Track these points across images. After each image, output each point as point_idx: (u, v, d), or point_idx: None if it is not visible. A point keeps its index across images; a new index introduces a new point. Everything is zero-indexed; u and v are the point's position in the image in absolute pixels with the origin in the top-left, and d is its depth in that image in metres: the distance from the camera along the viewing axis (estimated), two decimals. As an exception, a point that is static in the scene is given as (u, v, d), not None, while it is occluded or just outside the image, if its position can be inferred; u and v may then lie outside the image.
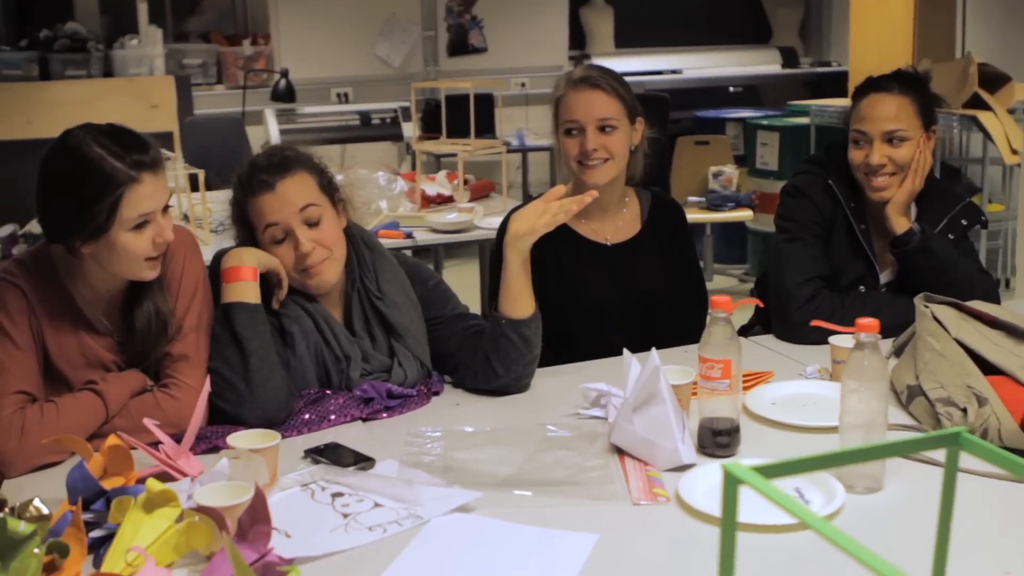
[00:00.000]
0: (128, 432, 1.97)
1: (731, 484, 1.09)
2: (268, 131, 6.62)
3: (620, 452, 2.00)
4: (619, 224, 2.76)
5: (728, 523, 1.06)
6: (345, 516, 1.78)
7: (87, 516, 1.67)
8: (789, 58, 8.34)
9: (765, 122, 6.45)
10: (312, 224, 2.23)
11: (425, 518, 1.75)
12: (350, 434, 2.13)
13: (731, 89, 8.18)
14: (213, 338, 2.16)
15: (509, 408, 2.27)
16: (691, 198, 6.31)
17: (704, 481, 1.86)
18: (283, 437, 2.08)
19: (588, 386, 2.20)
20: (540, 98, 7.39)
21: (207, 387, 1.98)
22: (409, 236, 4.29)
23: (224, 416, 2.12)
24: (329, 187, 2.31)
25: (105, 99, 6.64)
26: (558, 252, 2.68)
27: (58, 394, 2.07)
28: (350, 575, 1.60)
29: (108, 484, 1.74)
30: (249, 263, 2.19)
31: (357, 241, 2.37)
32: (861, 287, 2.67)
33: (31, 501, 1.59)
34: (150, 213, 2.02)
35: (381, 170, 5.14)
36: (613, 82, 2.67)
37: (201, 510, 1.61)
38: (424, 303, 2.40)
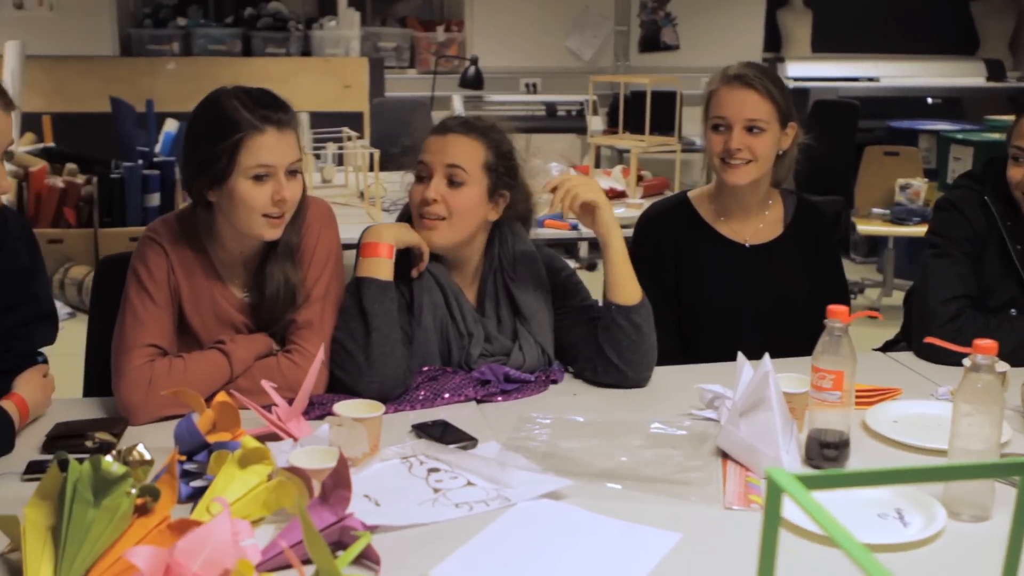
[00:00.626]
0: (249, 392, 2.06)
1: (774, 491, 1.07)
2: (454, 117, 6.74)
3: (725, 456, 1.97)
4: (760, 226, 2.71)
5: (769, 529, 1.04)
6: (436, 491, 1.81)
7: (190, 466, 1.75)
8: (995, 71, 7.98)
9: (960, 136, 6.19)
10: (454, 183, 2.26)
11: (512, 500, 1.77)
12: (461, 414, 2.16)
13: (929, 100, 7.89)
14: (342, 310, 2.22)
15: (624, 402, 2.26)
16: (875, 210, 6.12)
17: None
18: (395, 411, 2.14)
19: (704, 387, 2.18)
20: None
21: (321, 355, 2.04)
22: (574, 228, 4.31)
23: (344, 385, 2.18)
24: (495, 169, 2.31)
25: (301, 77, 6.89)
26: (694, 249, 2.66)
27: (189, 351, 2.17)
28: (427, 547, 1.63)
29: (214, 438, 1.82)
30: (387, 240, 2.24)
31: (504, 225, 2.39)
32: (1012, 310, 2.54)
33: (135, 446, 1.68)
34: (270, 167, 2.09)
35: (556, 161, 5.18)
36: (768, 83, 2.62)
37: (291, 470, 1.66)
38: (555, 292, 2.41)
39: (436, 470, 1.88)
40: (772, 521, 1.10)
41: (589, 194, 2.30)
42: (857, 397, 2.22)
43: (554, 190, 2.33)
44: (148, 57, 6.79)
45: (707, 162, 2.67)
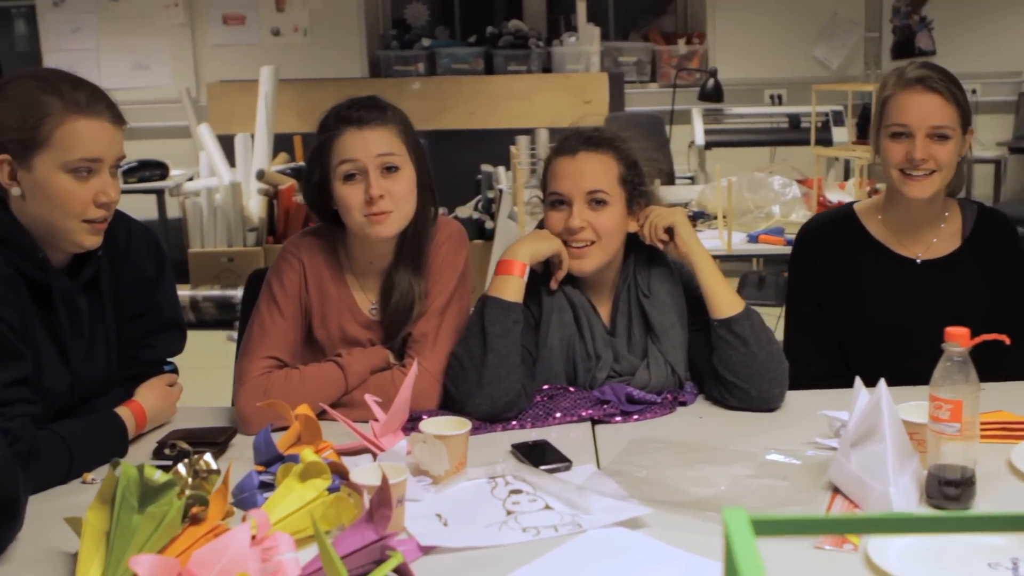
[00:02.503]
0: (362, 405, 2.07)
1: (729, 531, 0.98)
2: (693, 130, 6.62)
3: (836, 490, 1.82)
4: (933, 240, 2.49)
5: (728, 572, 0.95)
6: (508, 513, 1.75)
7: (266, 477, 1.77)
8: None
9: None
10: (596, 206, 2.20)
11: (584, 527, 1.69)
12: (571, 435, 2.09)
13: None
14: (467, 326, 2.20)
15: (748, 426, 2.13)
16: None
17: (907, 536, 1.65)
18: (503, 429, 2.09)
19: (829, 414, 2.02)
20: (991, 106, 6.82)
21: (415, 370, 2.02)
22: (790, 244, 4.13)
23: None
24: (629, 180, 2.24)
25: (541, 94, 6.94)
26: (858, 266, 2.47)
27: (314, 362, 2.20)
28: (475, 571, 1.57)
29: (296, 450, 1.83)
30: (520, 258, 2.20)
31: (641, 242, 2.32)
32: None
33: (203, 456, 1.70)
34: (353, 161, 2.14)
35: (778, 175, 4.99)
36: (951, 86, 2.41)
37: (348, 485, 1.65)
38: (690, 310, 2.30)
39: (518, 491, 1.83)
40: (731, 564, 1.00)
41: (667, 220, 2.22)
42: (1004, 430, 2.01)
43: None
44: (394, 78, 7.02)
45: (883, 172, 2.47)
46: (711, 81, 6.62)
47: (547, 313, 2.24)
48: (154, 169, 6.37)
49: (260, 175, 6.32)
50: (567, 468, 1.92)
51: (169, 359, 2.21)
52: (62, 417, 2.00)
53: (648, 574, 1.57)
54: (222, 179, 6.30)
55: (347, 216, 2.15)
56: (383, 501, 1.55)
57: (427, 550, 1.64)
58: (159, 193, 6.38)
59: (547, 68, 7.00)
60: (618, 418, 2.15)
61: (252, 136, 6.42)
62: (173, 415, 2.19)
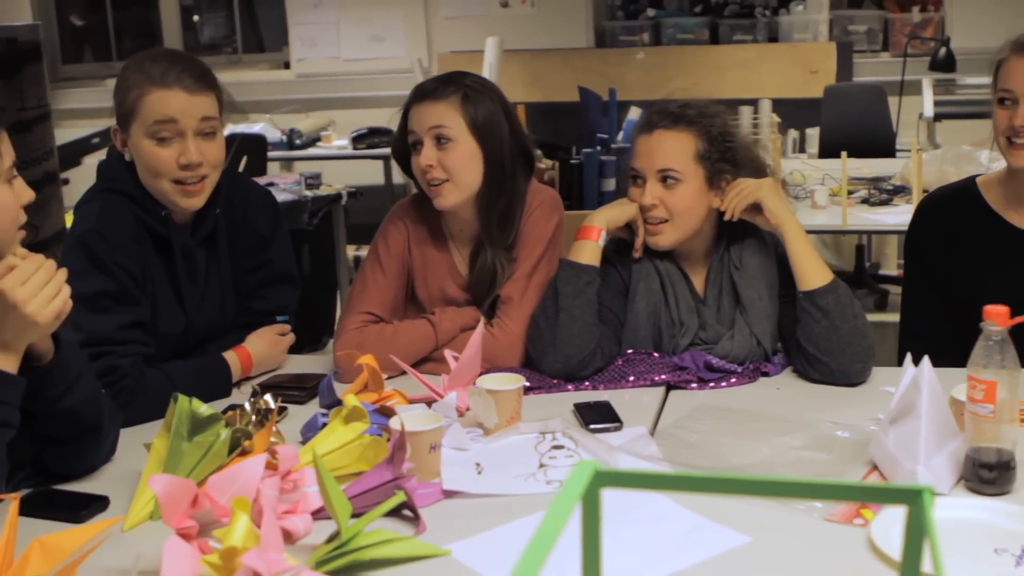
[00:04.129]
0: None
1: (592, 484, 1.06)
2: (923, 101, 6.36)
3: (874, 466, 1.81)
4: (1048, 212, 2.37)
5: (588, 525, 1.03)
6: (541, 466, 1.84)
7: (325, 419, 1.92)
8: None
9: None
10: (668, 184, 2.24)
11: (605, 484, 1.75)
12: (642, 398, 2.15)
13: None
14: (545, 288, 2.29)
15: (824, 399, 2.13)
16: None
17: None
18: (575, 389, 2.18)
19: (890, 389, 1.99)
20: None
21: (481, 327, 2.13)
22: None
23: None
24: (708, 156, 2.27)
25: (766, 64, 6.85)
26: (973, 239, 2.39)
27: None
28: (487, 517, 1.67)
29: (362, 398, 1.97)
30: (597, 223, 2.27)
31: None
32: None
33: (264, 395, 1.88)
34: (414, 133, 2.30)
35: (987, 149, 4.77)
36: None
37: (386, 429, 1.79)
38: (783, 281, 2.30)
39: (560, 447, 1.91)
40: (592, 517, 1.08)
41: (751, 195, 2.21)
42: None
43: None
44: (619, 48, 7.08)
45: (994, 140, 2.38)
46: (943, 50, 6.33)
47: (635, 280, 2.30)
48: (383, 136, 6.68)
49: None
50: (617, 429, 1.98)
51: (282, 311, 2.40)
52: (177, 358, 2.23)
53: (651, 531, 1.62)
54: (446, 146, 6.54)
55: (417, 179, 2.31)
56: (400, 445, 1.68)
57: (449, 494, 1.75)
58: (386, 159, 6.69)
59: (773, 37, 6.87)
60: (694, 385, 2.19)
61: (476, 105, 6.62)
62: (282, 361, 2.39)
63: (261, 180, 5.63)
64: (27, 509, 1.74)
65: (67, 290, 1.70)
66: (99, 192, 2.21)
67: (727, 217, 2.24)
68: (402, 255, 2.38)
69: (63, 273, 1.70)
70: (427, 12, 7.26)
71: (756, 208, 2.23)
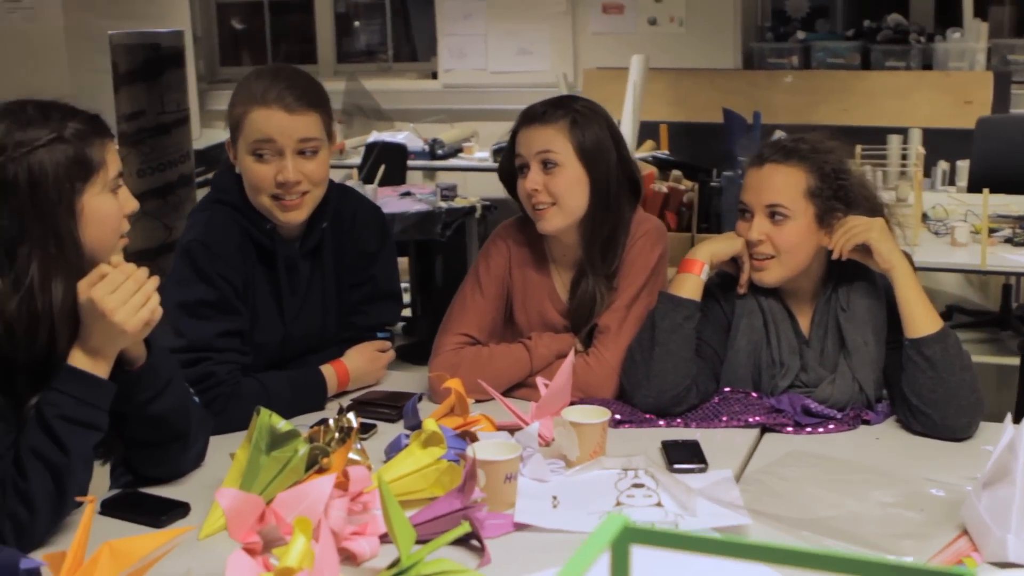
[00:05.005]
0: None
1: (620, 539, 1.05)
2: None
3: (966, 530, 1.73)
4: None
5: None
6: (618, 504, 1.82)
7: (407, 441, 1.93)
8: None
9: None
10: (776, 221, 2.18)
11: (680, 528, 1.72)
12: (734, 439, 2.10)
13: None
14: (644, 320, 2.26)
15: (925, 453, 2.04)
16: None
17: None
18: (667, 425, 2.14)
19: (991, 449, 1.90)
20: None
21: (571, 357, 2.10)
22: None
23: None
24: (819, 194, 2.20)
25: (919, 92, 6.65)
26: None
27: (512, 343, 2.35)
28: (555, 552, 1.65)
29: (445, 421, 1.98)
30: (700, 257, 2.23)
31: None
32: None
33: (347, 414, 1.89)
34: (521, 156, 2.31)
35: None
36: None
37: (463, 456, 1.78)
38: (892, 326, 2.22)
39: (640, 485, 1.88)
40: (618, 572, 1.07)
41: (861, 235, 2.13)
42: None
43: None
44: (767, 70, 6.95)
45: None
46: (1109, 85, 6.05)
47: (738, 316, 2.25)
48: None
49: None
50: (702, 471, 1.94)
51: (384, 328, 2.42)
52: (274, 368, 2.27)
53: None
54: (584, 163, 6.53)
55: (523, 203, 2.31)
56: (471, 474, 1.67)
57: (520, 527, 1.74)
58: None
59: (928, 65, 6.66)
60: (789, 428, 2.13)
61: (618, 122, 6.60)
62: (380, 377, 2.41)
63: (398, 189, 5.73)
64: (111, 510, 1.80)
65: (156, 299, 1.75)
66: (209, 203, 2.27)
67: (835, 256, 2.17)
68: (503, 277, 2.37)
69: (153, 283, 1.74)
70: (575, 27, 7.26)
71: (866, 249, 2.15)
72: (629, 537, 1.11)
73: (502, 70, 7.39)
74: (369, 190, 5.36)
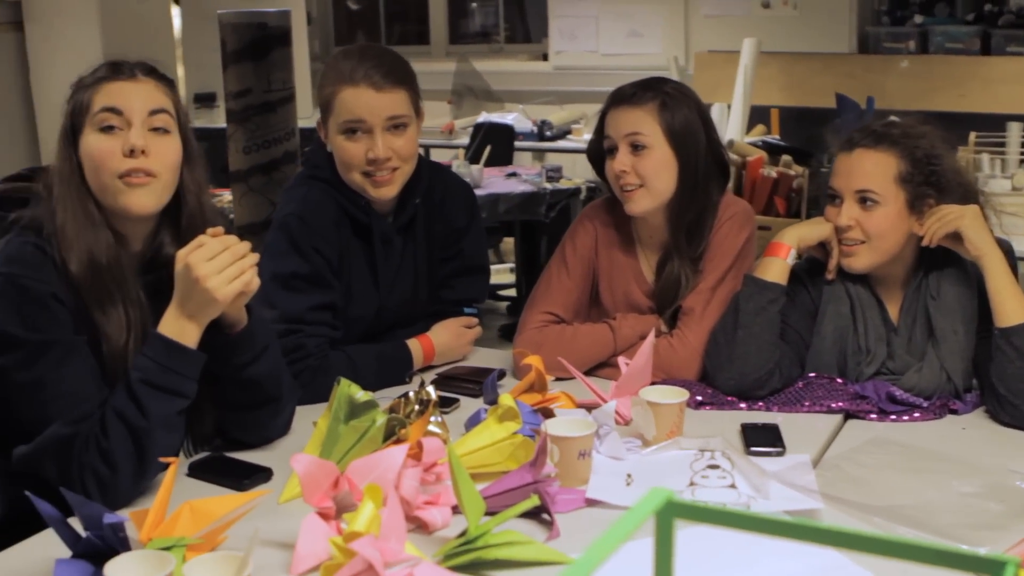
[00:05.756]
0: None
1: (664, 513, 1.07)
2: None
3: (1049, 523, 1.70)
4: None
5: (661, 554, 1.05)
6: (691, 484, 1.82)
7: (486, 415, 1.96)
8: None
9: None
10: (866, 206, 2.16)
11: (750, 509, 1.72)
12: (816, 424, 2.08)
13: None
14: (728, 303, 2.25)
15: (1014, 446, 2.00)
16: None
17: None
18: (748, 408, 2.14)
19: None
20: None
21: (651, 338, 2.11)
22: None
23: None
24: (910, 179, 2.16)
25: (1041, 78, 6.46)
26: None
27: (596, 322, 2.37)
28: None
29: (524, 398, 2.00)
30: (787, 241, 2.22)
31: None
32: None
33: (426, 386, 1.93)
34: (609, 139, 2.31)
35: None
36: None
37: (537, 431, 1.81)
38: (984, 315, 2.18)
39: (715, 467, 1.88)
40: (662, 545, 1.09)
41: (952, 223, 2.09)
42: None
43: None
44: (882, 55, 6.81)
45: None
46: None
47: (825, 302, 2.23)
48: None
49: (730, 145, 6.44)
50: (779, 455, 1.93)
51: (471, 302, 2.46)
52: (367, 341, 2.32)
53: (791, 563, 1.58)
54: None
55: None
56: (543, 448, 1.70)
57: (592, 503, 1.76)
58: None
59: (1052, 50, 6.46)
60: (873, 415, 2.11)
61: (728, 106, 6.54)
62: (466, 353, 2.44)
63: (504, 169, 5.76)
64: (197, 472, 1.87)
65: (251, 273, 1.80)
66: (304, 179, 2.33)
67: (925, 243, 2.13)
68: (589, 257, 2.39)
69: (251, 258, 1.79)
70: (687, 10, 7.21)
71: (958, 236, 2.11)
72: (672, 511, 1.12)
73: (613, 52, 7.38)
74: (475, 170, 5.41)
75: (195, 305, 1.78)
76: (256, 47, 3.98)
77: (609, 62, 7.38)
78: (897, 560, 1.03)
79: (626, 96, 2.30)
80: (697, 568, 1.57)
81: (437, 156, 5.78)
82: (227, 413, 1.97)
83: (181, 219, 1.88)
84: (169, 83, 1.91)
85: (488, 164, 5.64)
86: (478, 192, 5.18)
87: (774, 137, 6.89)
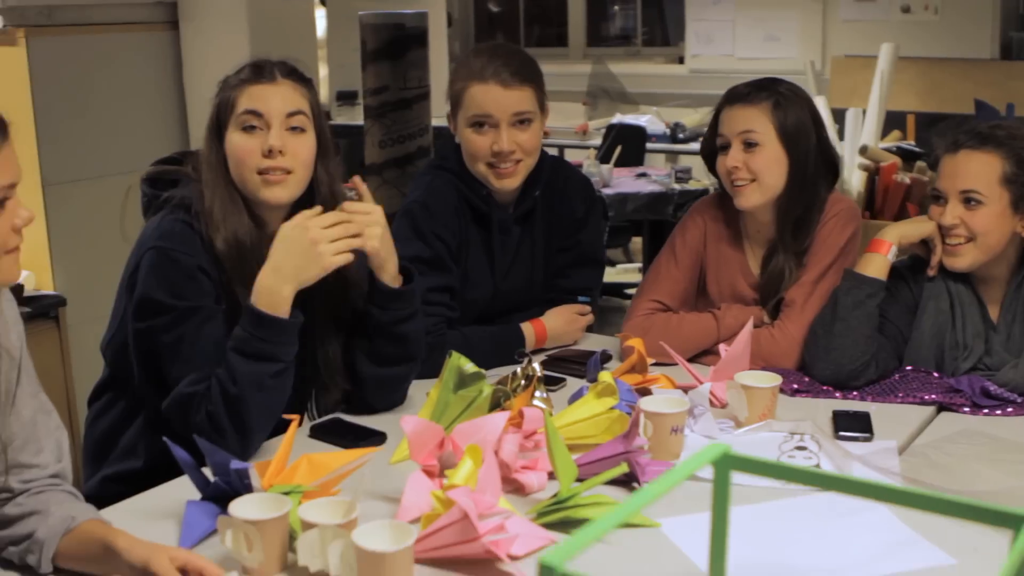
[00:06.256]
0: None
1: (720, 465, 1.20)
2: None
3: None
4: None
5: (718, 501, 1.17)
6: (777, 463, 1.91)
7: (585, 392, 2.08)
8: None
9: None
10: (970, 205, 2.21)
11: (831, 488, 1.81)
12: (908, 414, 2.15)
13: None
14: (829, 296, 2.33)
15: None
16: None
17: None
18: (843, 397, 2.22)
19: None
20: None
21: (749, 326, 2.20)
22: None
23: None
24: (1015, 180, 2.21)
25: None
26: None
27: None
28: (709, 500, 1.77)
29: (625, 378, 2.13)
30: (888, 238, 2.29)
31: None
32: None
33: (532, 362, 2.07)
34: (725, 136, 2.39)
35: None
36: None
37: (633, 407, 1.93)
38: (1083, 316, 2.22)
39: (803, 448, 1.97)
40: (719, 495, 1.21)
41: None
42: None
43: None
44: (1025, 61, 6.71)
45: None
46: None
47: (925, 299, 2.29)
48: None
49: (863, 150, 6.40)
50: (867, 440, 2.01)
51: (586, 291, 2.59)
52: (484, 323, 2.47)
53: (862, 536, 1.67)
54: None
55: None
56: (635, 422, 1.82)
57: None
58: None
59: None
60: (966, 409, 2.16)
61: (863, 111, 6.52)
62: (577, 339, 2.58)
63: (634, 170, 5.87)
64: (318, 434, 2.04)
65: (352, 255, 1.97)
66: (431, 169, 2.49)
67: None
68: (697, 249, 2.49)
69: (359, 240, 1.96)
70: (824, 14, 7.19)
71: None
72: (728, 464, 1.24)
73: (749, 56, 7.41)
74: (604, 170, 5.53)
75: (295, 267, 1.91)
76: (394, 46, 4.18)
77: (745, 66, 7.39)
78: (923, 512, 1.13)
79: (740, 95, 2.39)
80: (772, 539, 1.68)
81: (570, 156, 5.91)
82: (375, 369, 2.12)
83: (314, 206, 2.05)
84: (307, 83, 2.08)
85: (619, 164, 5.75)
86: (607, 191, 5.30)
87: (909, 143, 6.82)
